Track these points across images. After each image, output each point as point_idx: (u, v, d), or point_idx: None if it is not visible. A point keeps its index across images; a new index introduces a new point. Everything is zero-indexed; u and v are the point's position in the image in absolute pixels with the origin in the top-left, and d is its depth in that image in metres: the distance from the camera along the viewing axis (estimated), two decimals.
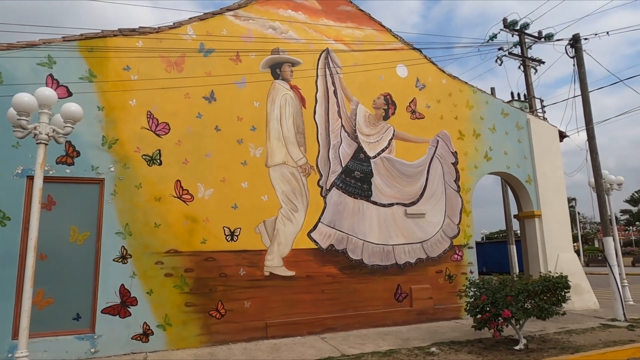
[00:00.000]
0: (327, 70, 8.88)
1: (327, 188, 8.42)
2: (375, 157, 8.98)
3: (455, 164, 9.79)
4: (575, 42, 9.64)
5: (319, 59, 8.88)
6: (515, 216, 11.42)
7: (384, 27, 9.69)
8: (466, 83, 10.41)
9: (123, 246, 6.82)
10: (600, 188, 9.29)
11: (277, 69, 8.45)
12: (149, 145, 7.25)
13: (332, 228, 8.31)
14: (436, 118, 9.83)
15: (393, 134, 9.25)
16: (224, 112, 7.86)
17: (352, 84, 9.11)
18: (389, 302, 8.58)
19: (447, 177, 9.62)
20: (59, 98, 6.83)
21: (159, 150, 7.30)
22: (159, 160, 7.27)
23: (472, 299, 6.57)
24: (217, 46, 7.96)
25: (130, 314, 6.67)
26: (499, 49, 14.78)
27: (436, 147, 9.65)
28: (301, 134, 8.41)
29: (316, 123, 8.60)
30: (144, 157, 7.19)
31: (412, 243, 8.97)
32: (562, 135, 11.70)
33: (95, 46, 7.19)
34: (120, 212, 6.90)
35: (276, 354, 6.46)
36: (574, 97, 10.02)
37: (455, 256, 9.42)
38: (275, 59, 8.44)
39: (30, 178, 6.52)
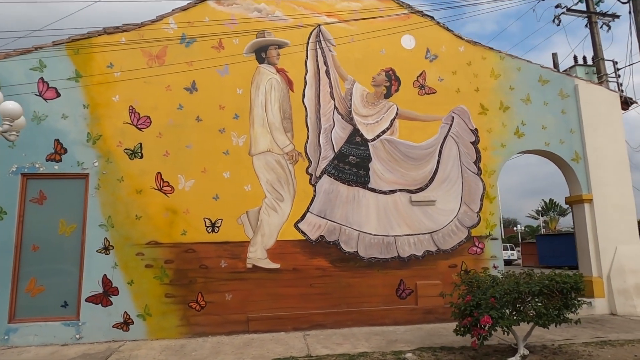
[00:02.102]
0: (318, 49, 8.25)
1: (317, 175, 7.86)
2: (374, 139, 8.16)
3: (475, 143, 8.52)
4: None
5: (308, 38, 8.28)
6: (565, 201, 9.66)
7: None
8: (491, 49, 8.97)
9: (106, 238, 7.07)
10: None
11: (262, 53, 8.07)
12: (130, 139, 7.40)
13: (323, 218, 7.75)
14: (451, 92, 8.63)
15: (396, 113, 8.32)
16: (206, 101, 7.72)
17: (347, 61, 8.36)
18: (389, 299, 7.78)
19: (465, 159, 8.40)
20: (49, 99, 7.37)
21: (140, 143, 7.41)
22: (140, 154, 7.39)
23: (458, 299, 5.59)
24: (199, 33, 7.83)
25: (111, 303, 6.90)
26: (556, 7, 12.55)
27: (450, 125, 8.47)
28: (288, 119, 7.94)
29: (305, 107, 8.06)
30: (125, 151, 7.36)
31: (418, 234, 8.01)
32: (628, 103, 9.59)
33: (81, 47, 7.50)
34: (103, 205, 7.15)
35: (243, 350, 6.19)
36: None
37: (474, 248, 8.21)
38: (260, 43, 8.07)
39: (24, 175, 7.07)
